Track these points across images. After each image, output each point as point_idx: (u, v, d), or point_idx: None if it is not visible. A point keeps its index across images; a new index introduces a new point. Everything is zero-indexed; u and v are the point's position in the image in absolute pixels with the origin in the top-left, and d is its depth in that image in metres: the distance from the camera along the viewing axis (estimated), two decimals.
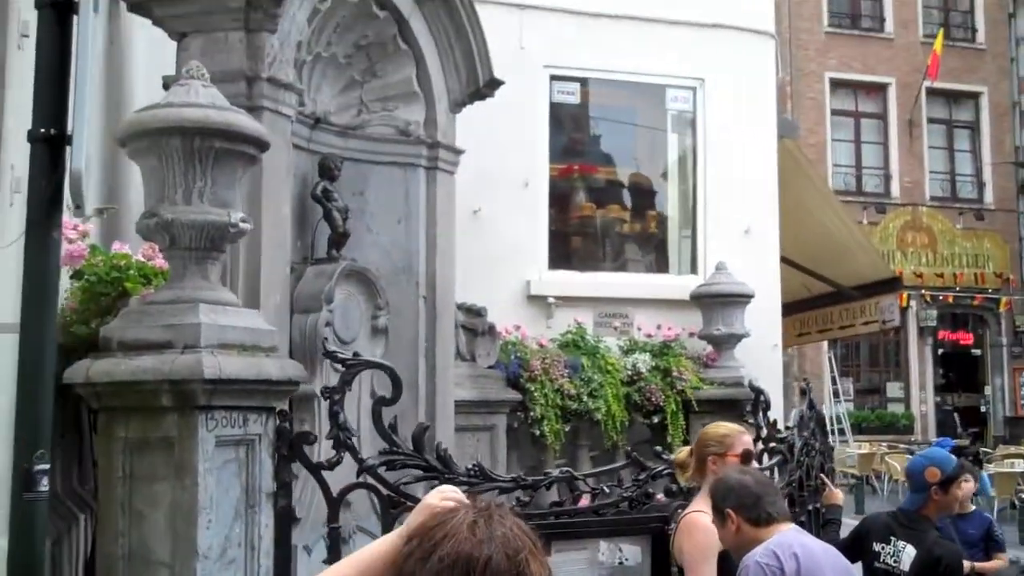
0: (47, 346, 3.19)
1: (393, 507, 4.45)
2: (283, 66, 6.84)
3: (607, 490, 4.93)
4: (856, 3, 28.66)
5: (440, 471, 4.47)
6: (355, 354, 4.43)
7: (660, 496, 5.23)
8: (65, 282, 4.98)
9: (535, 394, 9.07)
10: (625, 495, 4.98)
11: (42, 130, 3.09)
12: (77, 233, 4.58)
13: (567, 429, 9.31)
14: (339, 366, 4.49)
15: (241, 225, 4.20)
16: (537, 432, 9.11)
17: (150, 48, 6.77)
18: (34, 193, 3.12)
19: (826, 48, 27.84)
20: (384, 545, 2.17)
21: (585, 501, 5.07)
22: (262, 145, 4.37)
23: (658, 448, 5.21)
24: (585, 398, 9.28)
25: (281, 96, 6.77)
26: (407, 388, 8.08)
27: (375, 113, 8.22)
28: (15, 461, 3.07)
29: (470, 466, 4.57)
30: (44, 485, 3.07)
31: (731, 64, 10.84)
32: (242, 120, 4.20)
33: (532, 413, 9.07)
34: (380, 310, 7.82)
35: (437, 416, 7.95)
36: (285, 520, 4.35)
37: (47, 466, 3.10)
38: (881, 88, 27.95)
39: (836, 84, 27.80)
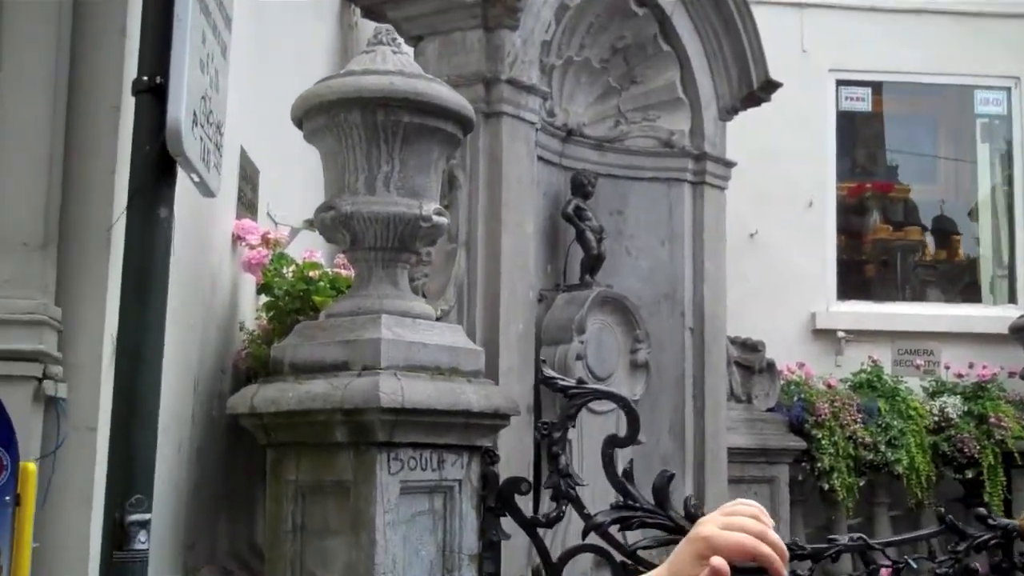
0: (148, 359, 2.44)
1: None
2: (526, 67, 6.13)
3: (913, 564, 3.76)
4: None
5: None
6: (579, 381, 3.52)
7: None
8: (252, 298, 4.37)
9: (823, 442, 7.84)
10: (939, 571, 3.80)
11: (145, 78, 2.37)
12: (261, 239, 3.91)
13: (861, 483, 8.01)
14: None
15: (435, 219, 3.38)
16: (826, 486, 7.86)
17: None
18: (138, 156, 2.41)
19: None
20: None
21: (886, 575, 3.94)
22: (464, 122, 3.54)
23: (980, 510, 3.99)
24: (883, 448, 7.95)
25: (523, 100, 6.07)
26: (672, 432, 7.16)
27: (634, 124, 7.36)
28: (106, 510, 2.33)
29: None
30: (142, 540, 2.31)
31: None
32: (436, 89, 3.40)
33: (819, 464, 7.83)
34: (640, 343, 6.90)
35: (707, 464, 6.97)
36: None
37: (147, 516, 2.34)
38: None
39: None
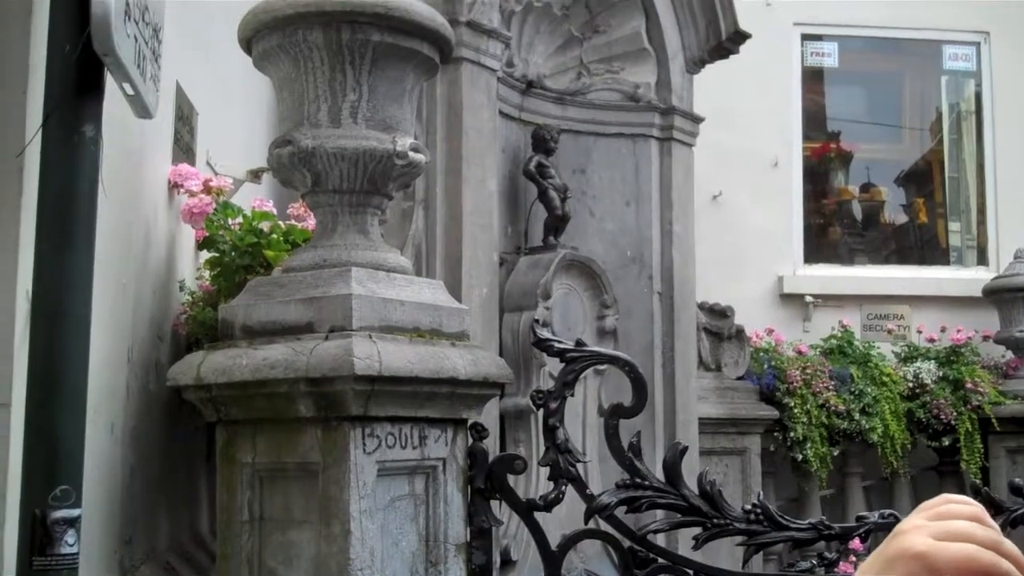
0: (73, 318, 1.92)
1: (638, 565, 3.06)
2: (486, 9, 5.69)
3: None
4: None
5: (706, 513, 3.06)
6: (579, 342, 3.06)
7: None
8: (192, 253, 3.86)
9: (795, 411, 7.47)
10: None
11: None
12: (203, 186, 3.40)
13: (835, 453, 7.66)
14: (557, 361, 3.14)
15: (412, 156, 2.89)
16: (799, 457, 7.50)
17: None
18: (56, 61, 1.89)
19: None
20: None
21: None
22: (443, 43, 3.06)
23: (1017, 480, 3.60)
24: (857, 416, 7.60)
25: (484, 45, 5.64)
26: None
27: (597, 76, 6.93)
28: (23, 506, 1.82)
29: (748, 507, 3.13)
30: (70, 543, 1.82)
31: None
32: (410, 3, 2.91)
33: (792, 434, 7.47)
34: (607, 308, 6.50)
35: (678, 436, 6.59)
36: None
37: (75, 512, 1.84)
38: None
39: None
